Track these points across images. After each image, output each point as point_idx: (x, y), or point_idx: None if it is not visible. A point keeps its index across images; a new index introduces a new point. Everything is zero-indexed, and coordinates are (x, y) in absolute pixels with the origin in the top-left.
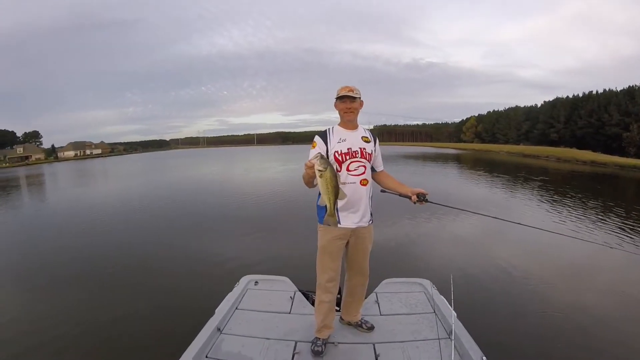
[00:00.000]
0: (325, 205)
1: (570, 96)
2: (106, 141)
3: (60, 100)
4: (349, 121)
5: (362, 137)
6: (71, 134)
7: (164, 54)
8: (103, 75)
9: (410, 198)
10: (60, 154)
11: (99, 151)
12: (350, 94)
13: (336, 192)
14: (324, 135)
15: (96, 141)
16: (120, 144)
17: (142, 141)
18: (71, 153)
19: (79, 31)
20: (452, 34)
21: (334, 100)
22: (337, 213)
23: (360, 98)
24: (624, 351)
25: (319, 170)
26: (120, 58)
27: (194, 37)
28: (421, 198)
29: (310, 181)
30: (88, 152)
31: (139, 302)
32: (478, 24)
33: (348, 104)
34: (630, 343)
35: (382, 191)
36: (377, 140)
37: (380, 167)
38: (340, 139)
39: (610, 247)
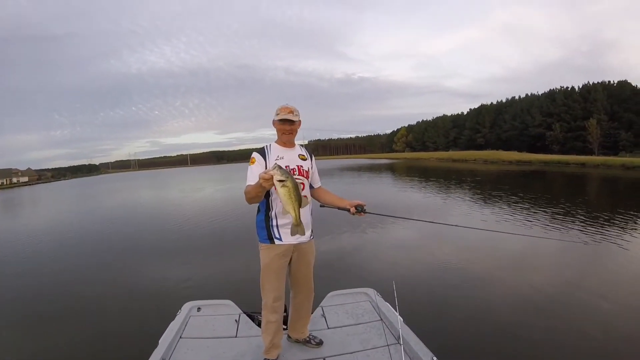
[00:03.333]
0: (287, 215)
1: (495, 102)
2: (33, 167)
3: None
4: (287, 140)
5: (299, 155)
6: None
7: (93, 71)
8: (29, 94)
9: (349, 210)
10: None
11: (25, 179)
12: (290, 116)
13: (299, 201)
14: (262, 152)
15: (22, 168)
16: (48, 170)
17: (70, 166)
18: None
19: (3, 45)
20: (383, 48)
21: (273, 118)
22: (278, 230)
23: (299, 118)
24: (571, 337)
25: (280, 181)
26: (48, 75)
27: (124, 54)
28: (359, 209)
29: (257, 196)
30: (15, 180)
31: (78, 337)
32: (408, 37)
33: (287, 126)
34: (576, 328)
35: (322, 206)
36: (313, 158)
37: (317, 183)
38: (278, 156)
39: (543, 238)
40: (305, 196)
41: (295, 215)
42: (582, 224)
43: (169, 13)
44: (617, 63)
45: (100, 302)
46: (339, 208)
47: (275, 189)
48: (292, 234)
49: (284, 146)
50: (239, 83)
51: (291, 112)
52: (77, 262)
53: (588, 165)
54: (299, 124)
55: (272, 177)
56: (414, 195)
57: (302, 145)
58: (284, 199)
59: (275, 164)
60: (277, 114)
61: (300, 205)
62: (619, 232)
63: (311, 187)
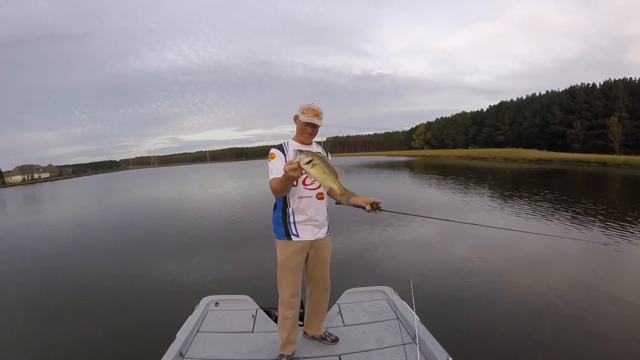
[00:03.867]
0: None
1: (515, 99)
2: (54, 164)
3: (3, 120)
4: (306, 140)
5: (316, 152)
6: (15, 156)
7: (112, 69)
8: (50, 92)
9: (364, 208)
10: (7, 179)
11: (47, 175)
12: (315, 120)
13: (335, 172)
14: (281, 148)
15: (43, 164)
16: (69, 166)
17: (91, 163)
18: (19, 177)
19: (24, 45)
20: (400, 44)
21: (296, 114)
22: (295, 226)
23: (322, 121)
24: (591, 341)
25: (309, 162)
26: (67, 74)
27: (143, 52)
28: (375, 207)
29: (286, 189)
30: (36, 176)
31: (98, 330)
32: (426, 33)
33: (310, 128)
34: (595, 331)
35: (337, 203)
36: (329, 156)
37: None
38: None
39: (563, 238)
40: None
41: (338, 186)
42: (602, 224)
43: (185, 11)
44: (639, 59)
45: (120, 297)
46: (355, 206)
47: (306, 173)
48: (345, 202)
49: (302, 144)
50: (257, 80)
51: (317, 115)
52: (98, 257)
53: (609, 164)
54: (320, 124)
55: (298, 164)
56: (433, 193)
57: (318, 143)
58: (319, 176)
59: (295, 150)
60: (303, 113)
61: (337, 176)
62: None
63: None
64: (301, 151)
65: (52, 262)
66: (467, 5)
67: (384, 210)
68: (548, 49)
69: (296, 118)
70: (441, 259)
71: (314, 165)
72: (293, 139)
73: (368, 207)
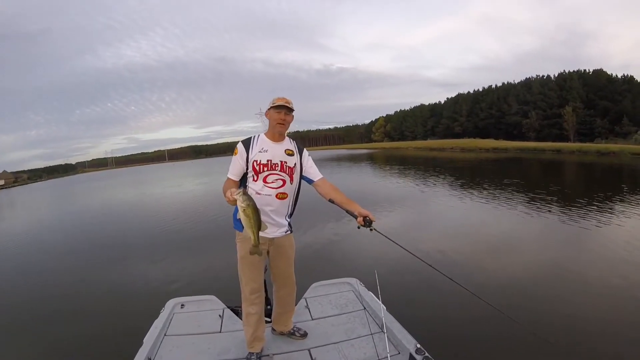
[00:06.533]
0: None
1: (472, 91)
2: (8, 169)
3: None
4: (278, 133)
5: (285, 150)
6: None
7: (69, 68)
8: (3, 94)
9: (356, 217)
10: None
11: (2, 182)
12: (288, 104)
13: (259, 226)
14: (247, 142)
15: None
16: (24, 171)
17: (46, 167)
18: None
19: None
20: (362, 39)
21: (266, 109)
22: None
23: (293, 112)
24: (555, 317)
25: (242, 207)
26: (22, 74)
27: (99, 49)
28: (367, 223)
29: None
30: None
31: (62, 339)
32: (388, 28)
33: (283, 115)
34: (560, 307)
35: (330, 201)
36: (305, 151)
37: (316, 176)
38: (262, 148)
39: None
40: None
41: (254, 238)
42: (559, 207)
43: (146, 7)
44: (594, 52)
45: (82, 303)
46: (346, 211)
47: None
48: (251, 253)
49: (272, 139)
50: (216, 76)
51: (288, 102)
52: (56, 263)
53: (564, 152)
54: (292, 118)
55: (235, 201)
56: (393, 184)
57: (292, 140)
58: (244, 223)
59: (241, 188)
60: (273, 102)
61: (259, 230)
62: (596, 213)
63: (310, 181)
64: (245, 193)
65: (11, 270)
66: (429, 1)
67: (379, 233)
68: (507, 43)
69: (267, 113)
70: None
71: (244, 212)
72: (265, 134)
73: (360, 220)
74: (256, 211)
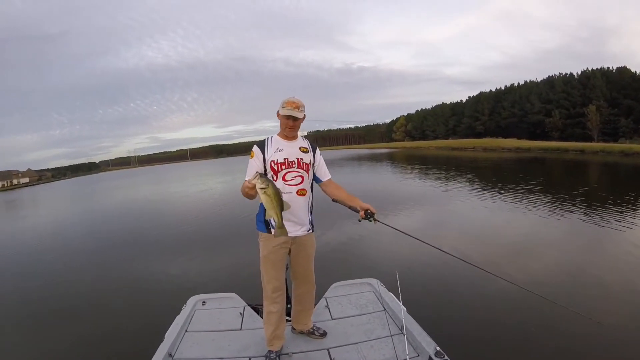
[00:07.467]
0: (272, 218)
1: (494, 90)
2: (33, 168)
3: None
4: (289, 134)
5: (300, 148)
6: None
7: (91, 68)
8: (28, 94)
9: (357, 212)
10: None
11: (26, 180)
12: (295, 113)
13: (281, 206)
14: (262, 144)
15: (22, 169)
16: (48, 170)
17: (70, 165)
18: None
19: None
20: (382, 36)
21: (278, 109)
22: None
23: (304, 113)
24: (579, 323)
25: (262, 189)
26: (45, 75)
27: (121, 50)
28: (368, 216)
29: (249, 195)
30: (15, 181)
31: (86, 333)
32: (407, 25)
33: (291, 122)
34: (579, 317)
35: (334, 201)
36: (317, 150)
37: (326, 176)
38: (277, 148)
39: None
40: (302, 194)
41: (278, 219)
42: (583, 209)
43: (165, 6)
44: (617, 50)
45: (106, 300)
46: (349, 207)
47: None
48: (275, 235)
49: (285, 139)
50: (237, 75)
51: (297, 107)
52: (81, 260)
53: (587, 152)
54: (303, 119)
55: (254, 186)
56: (415, 183)
57: (304, 137)
58: (266, 204)
59: (257, 172)
60: (283, 107)
61: (282, 210)
62: (620, 215)
63: (319, 180)
64: (262, 176)
65: (36, 267)
66: None
67: (380, 222)
68: (528, 40)
69: (278, 113)
70: (426, 249)
71: (265, 193)
72: (278, 134)
73: (362, 214)
74: (277, 191)
